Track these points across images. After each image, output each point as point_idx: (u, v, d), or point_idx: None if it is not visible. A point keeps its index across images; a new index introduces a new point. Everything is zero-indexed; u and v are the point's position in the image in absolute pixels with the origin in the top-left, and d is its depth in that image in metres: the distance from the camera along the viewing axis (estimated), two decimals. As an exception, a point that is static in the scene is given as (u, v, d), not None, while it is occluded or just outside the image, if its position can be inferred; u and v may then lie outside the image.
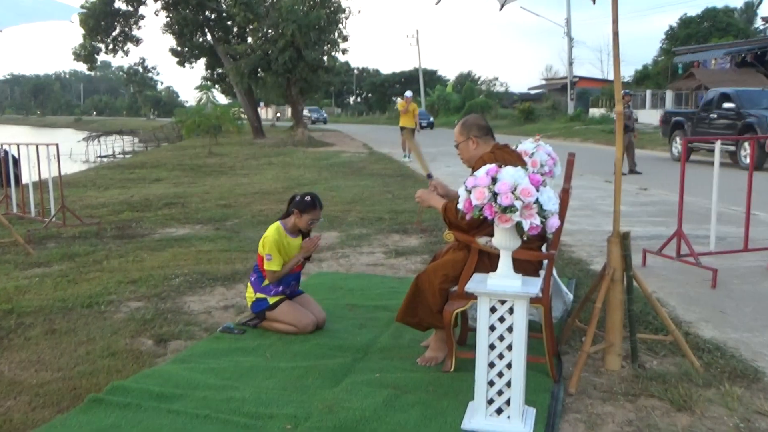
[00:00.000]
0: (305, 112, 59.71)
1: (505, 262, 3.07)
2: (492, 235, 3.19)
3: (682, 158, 6.05)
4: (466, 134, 3.89)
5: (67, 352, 4.07)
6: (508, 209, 2.87)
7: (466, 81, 66.56)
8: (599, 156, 19.38)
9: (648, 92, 39.52)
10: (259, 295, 4.51)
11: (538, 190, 2.91)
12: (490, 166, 3.02)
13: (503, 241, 3.02)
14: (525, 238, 2.98)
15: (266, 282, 4.50)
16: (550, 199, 2.95)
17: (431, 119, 46.67)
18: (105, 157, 33.28)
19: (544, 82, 62.15)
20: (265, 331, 4.46)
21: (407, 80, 75.16)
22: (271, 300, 4.48)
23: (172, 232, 8.29)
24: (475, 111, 50.28)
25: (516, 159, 3.77)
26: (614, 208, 3.81)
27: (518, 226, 2.91)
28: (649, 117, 36.74)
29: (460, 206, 3.05)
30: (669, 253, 6.13)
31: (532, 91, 61.90)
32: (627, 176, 14.16)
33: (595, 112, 41.89)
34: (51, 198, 8.60)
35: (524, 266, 3.53)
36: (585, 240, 7.49)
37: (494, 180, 2.93)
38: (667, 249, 6.17)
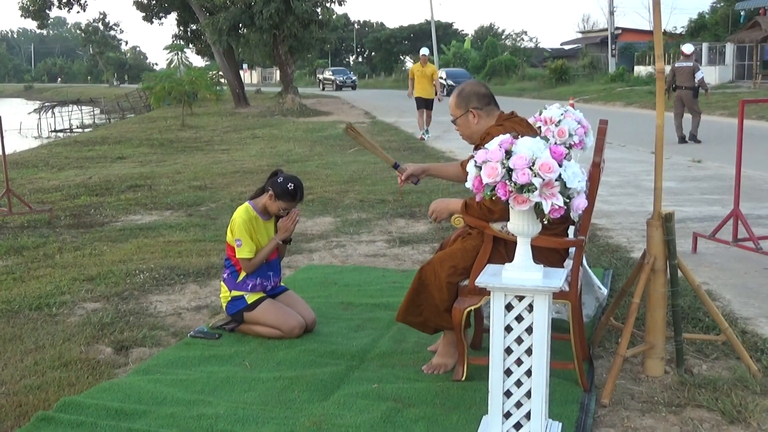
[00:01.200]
0: (328, 74, 58.09)
1: (522, 251, 3.06)
2: (509, 219, 3.18)
3: (739, 121, 6.02)
4: (464, 106, 3.87)
5: (12, 363, 4.10)
6: (526, 188, 2.86)
7: (488, 35, 66.19)
8: (645, 123, 19.29)
9: (704, 45, 39.23)
10: (235, 293, 4.53)
11: (560, 165, 2.89)
12: (504, 137, 3.00)
13: (520, 225, 3.01)
14: (546, 222, 2.98)
15: (242, 276, 4.52)
16: (575, 175, 2.93)
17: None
18: (60, 131, 33.37)
19: (580, 36, 61.78)
20: (243, 336, 4.48)
21: (417, 35, 74.87)
22: (250, 298, 4.50)
23: (137, 219, 8.32)
24: (499, 70, 50.15)
25: (528, 130, 3.76)
26: (655, 184, 3.79)
27: (537, 207, 2.90)
28: (706, 75, 36.49)
29: (468, 185, 3.04)
30: (724, 237, 6.12)
31: (566, 47, 61.53)
32: (682, 146, 14.19)
33: (641, 70, 41.64)
34: (-6, 181, 8.63)
35: (547, 255, 3.53)
36: (625, 223, 7.48)
37: (508, 153, 2.91)
38: (721, 232, 6.15)
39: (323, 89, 55.99)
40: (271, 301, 4.51)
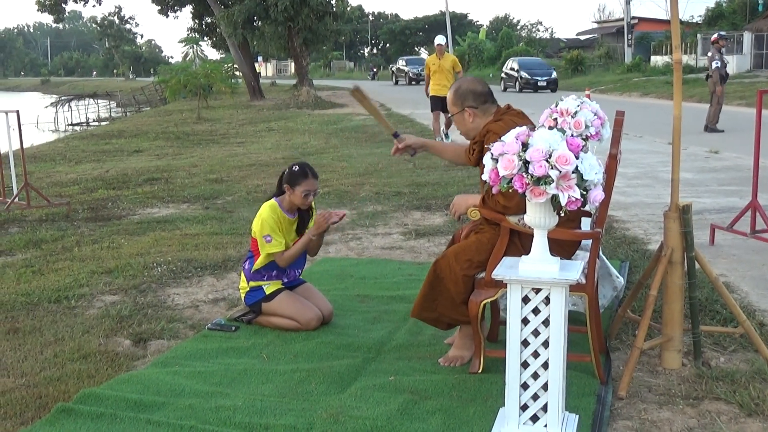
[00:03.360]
0: (401, 65, 48.91)
1: (539, 243, 3.06)
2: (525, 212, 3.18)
3: (758, 111, 5.97)
4: (460, 104, 3.91)
5: (32, 355, 4.15)
6: (542, 180, 2.86)
7: (503, 26, 65.95)
8: (662, 113, 19.17)
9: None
10: (253, 283, 4.56)
11: (577, 157, 2.89)
12: (520, 130, 3.00)
13: (537, 218, 3.01)
14: (562, 214, 2.97)
15: (257, 266, 4.54)
16: (592, 167, 2.92)
17: (553, 74, 35.27)
18: (77, 125, 33.59)
19: (596, 26, 61.47)
20: (261, 328, 4.51)
21: (432, 27, 74.75)
22: (268, 289, 4.53)
23: (154, 212, 8.37)
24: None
25: (526, 122, 3.76)
26: (672, 176, 3.77)
27: (554, 200, 2.90)
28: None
29: (485, 177, 3.04)
30: (742, 228, 6.08)
31: (582, 37, 61.29)
32: (702, 135, 14.18)
33: (657, 60, 41.35)
34: (12, 175, 8.70)
35: (563, 247, 3.53)
36: (642, 215, 7.45)
37: (525, 146, 2.91)
38: (739, 224, 6.11)
39: (396, 83, 47.70)
40: (288, 293, 4.53)
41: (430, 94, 13.93)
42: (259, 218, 4.53)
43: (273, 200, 4.59)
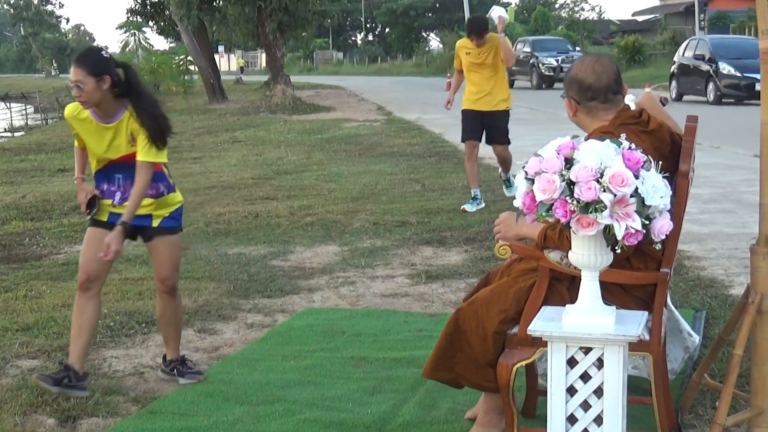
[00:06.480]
0: (520, 50, 35.54)
1: (588, 289, 3.08)
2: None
3: None
4: (566, 89, 3.81)
5: (-75, 440, 4.14)
6: (592, 206, 2.88)
7: (537, 5, 66.39)
8: (745, 117, 19.24)
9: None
10: None
11: (637, 176, 2.92)
12: (564, 141, 3.03)
13: (585, 256, 3.03)
14: (618, 251, 2.99)
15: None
16: (656, 188, 2.95)
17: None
18: (-18, 136, 33.63)
19: (657, 3, 61.85)
20: (224, 402, 4.50)
21: (444, 6, 75.24)
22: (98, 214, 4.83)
23: (85, 250, 8.36)
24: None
25: (651, 143, 3.53)
26: (761, 199, 3.79)
27: (608, 232, 2.92)
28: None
29: (517, 203, 3.07)
30: None
31: (640, 18, 61.75)
32: None
33: (738, 47, 41.54)
34: None
35: (620, 295, 3.53)
36: (722, 249, 7.46)
37: (569, 162, 2.94)
38: None
39: (512, 84, 28.06)
40: (95, 231, 4.75)
41: (464, 107, 9.85)
42: None
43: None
